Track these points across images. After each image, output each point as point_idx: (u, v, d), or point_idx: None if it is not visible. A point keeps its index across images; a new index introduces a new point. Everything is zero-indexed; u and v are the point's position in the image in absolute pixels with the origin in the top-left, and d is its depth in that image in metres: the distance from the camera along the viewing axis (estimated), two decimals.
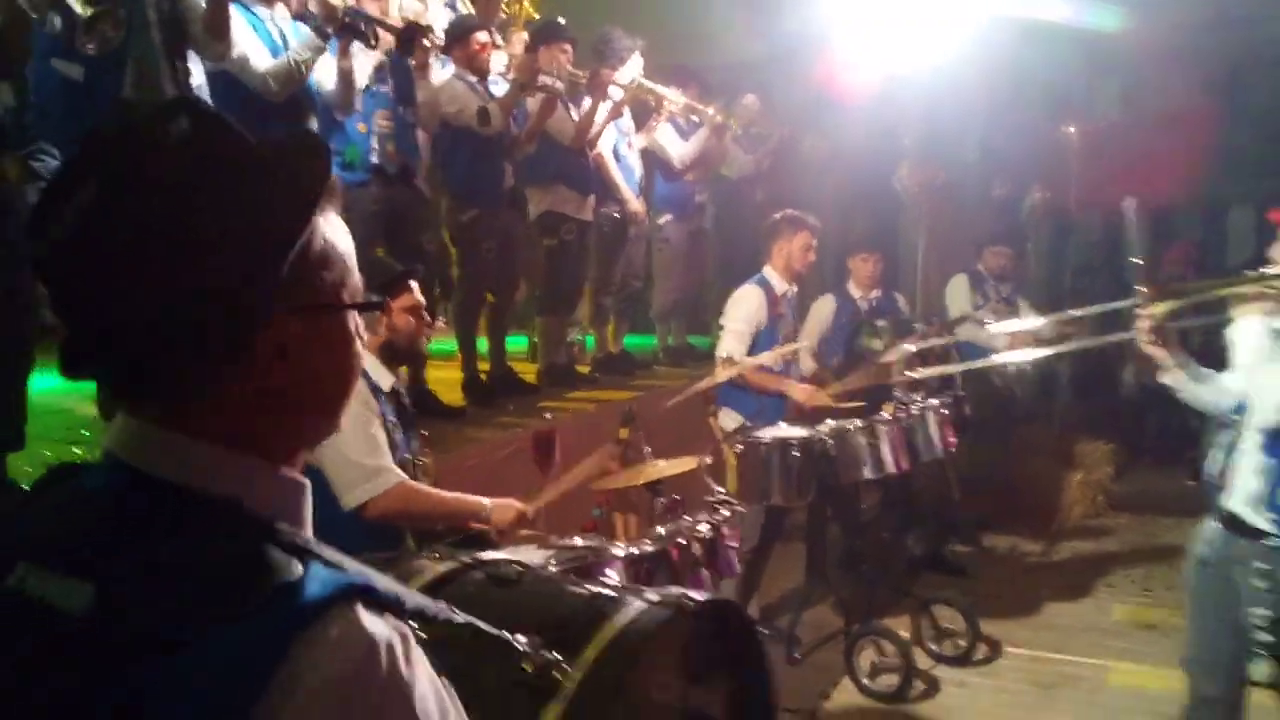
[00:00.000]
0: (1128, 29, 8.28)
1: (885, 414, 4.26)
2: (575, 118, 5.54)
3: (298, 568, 0.81)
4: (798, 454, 4.16)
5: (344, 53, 4.05)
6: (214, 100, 3.49)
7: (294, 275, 0.88)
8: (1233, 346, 2.91)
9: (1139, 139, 8.70)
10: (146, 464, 0.88)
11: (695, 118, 6.63)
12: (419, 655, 0.84)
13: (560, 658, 1.43)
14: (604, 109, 5.58)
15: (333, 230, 0.94)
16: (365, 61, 4.31)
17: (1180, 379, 3.02)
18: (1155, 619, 5.13)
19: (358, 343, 0.97)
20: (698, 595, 1.83)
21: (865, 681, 4.33)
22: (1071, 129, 8.13)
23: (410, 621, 0.86)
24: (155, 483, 0.87)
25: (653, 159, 6.57)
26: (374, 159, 4.40)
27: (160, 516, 0.85)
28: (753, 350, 4.69)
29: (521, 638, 1.37)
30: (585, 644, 1.57)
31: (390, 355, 2.85)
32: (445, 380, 5.06)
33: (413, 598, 0.88)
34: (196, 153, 0.86)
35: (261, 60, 3.71)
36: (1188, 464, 8.42)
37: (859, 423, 4.20)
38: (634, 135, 6.27)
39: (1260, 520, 2.75)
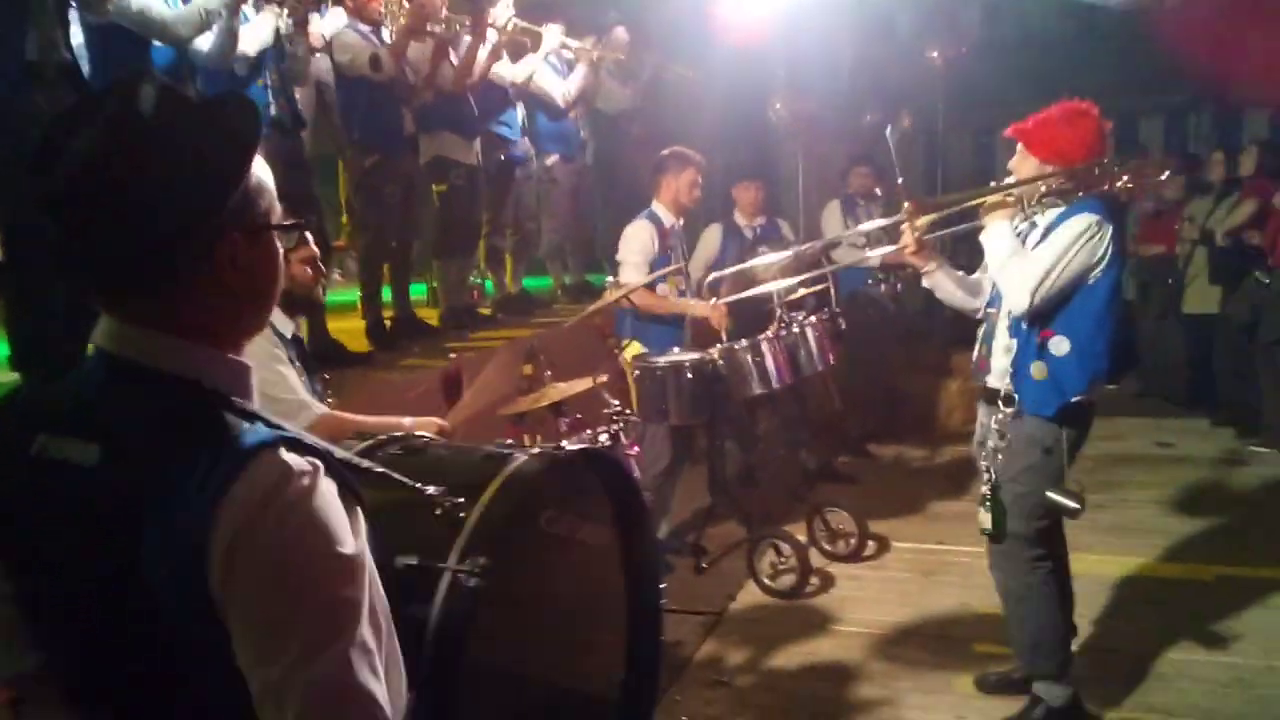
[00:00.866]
0: None
1: (768, 332, 4.53)
2: (455, 62, 5.61)
3: (246, 426, 1.11)
4: (690, 375, 4.43)
5: (234, 12, 4.05)
6: (97, 56, 3.51)
7: (240, 203, 1.17)
8: (985, 249, 3.30)
9: (1002, 60, 9.10)
10: (127, 353, 1.16)
11: (569, 54, 6.73)
12: (328, 482, 1.11)
13: (463, 500, 1.79)
14: (483, 52, 5.66)
15: (261, 168, 1.22)
16: (264, 23, 4.31)
17: (939, 280, 3.49)
18: None
19: (280, 263, 1.25)
20: (570, 447, 2.25)
21: (767, 581, 4.68)
22: (935, 54, 8.47)
23: (337, 471, 1.13)
24: (134, 366, 1.15)
25: (534, 99, 6.66)
26: (272, 111, 4.43)
27: (139, 392, 1.15)
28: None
29: (431, 488, 1.73)
30: (481, 490, 1.91)
31: (289, 304, 2.95)
32: (349, 330, 5.14)
33: (338, 453, 1.16)
34: (166, 112, 1.12)
35: (161, 8, 3.71)
36: None
37: (744, 342, 4.48)
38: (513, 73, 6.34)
39: (1002, 388, 3.22)
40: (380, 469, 1.37)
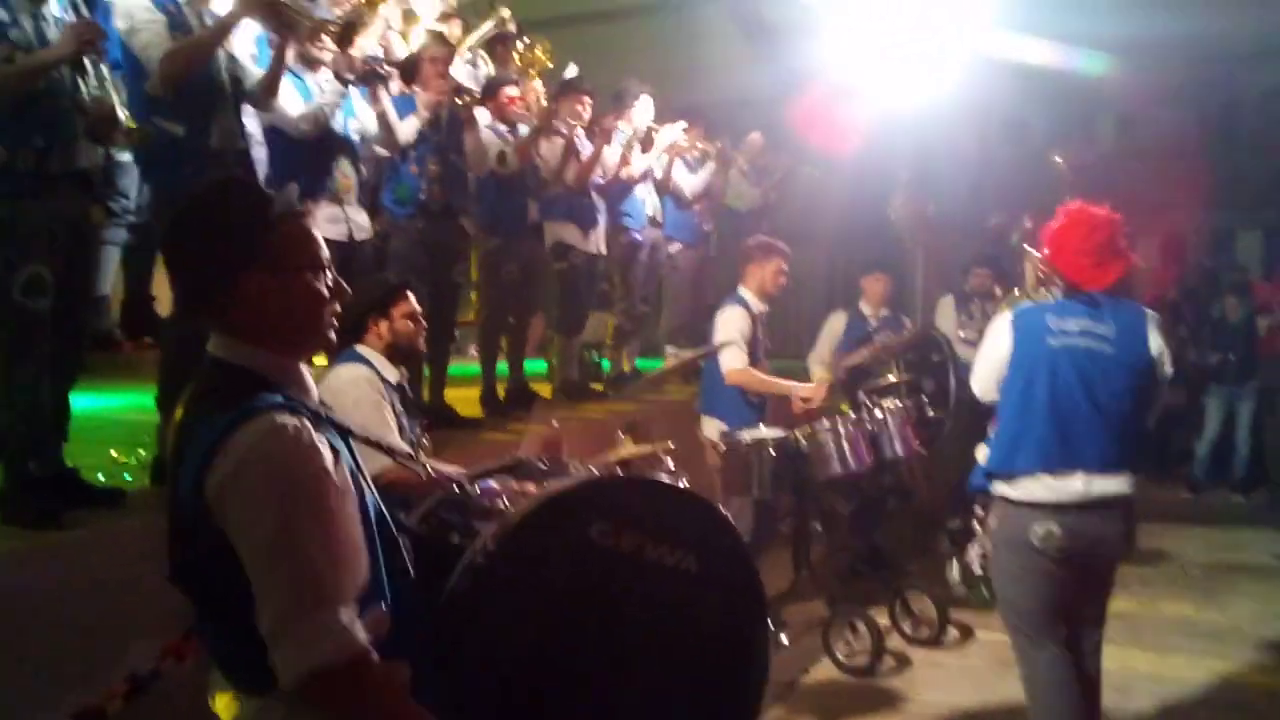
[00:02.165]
0: (1122, 69, 8.71)
1: (849, 415, 4.75)
2: (582, 158, 6.14)
3: (266, 396, 1.56)
4: (773, 452, 4.67)
5: (374, 97, 4.66)
6: (270, 143, 4.25)
7: (266, 249, 1.63)
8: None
9: (1132, 171, 9.10)
10: (210, 348, 1.69)
11: (701, 151, 7.20)
12: (319, 437, 1.53)
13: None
14: (611, 151, 6.20)
15: (315, 228, 1.70)
16: (415, 121, 4.92)
17: None
18: (1124, 609, 5.52)
19: (320, 294, 1.69)
20: (617, 473, 2.60)
21: (841, 658, 4.80)
22: (1061, 159, 8.56)
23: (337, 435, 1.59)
24: (212, 357, 1.68)
25: (662, 189, 7.15)
26: (421, 196, 5.01)
27: (210, 374, 1.67)
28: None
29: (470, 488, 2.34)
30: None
31: (393, 353, 3.40)
32: (466, 397, 5.61)
33: (335, 421, 1.64)
34: (215, 191, 1.75)
35: (295, 107, 4.34)
36: (1180, 478, 8.81)
37: (825, 423, 4.70)
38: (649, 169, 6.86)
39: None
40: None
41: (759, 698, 2.48)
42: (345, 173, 4.60)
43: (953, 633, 5.18)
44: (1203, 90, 10.03)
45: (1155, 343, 3.23)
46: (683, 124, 6.90)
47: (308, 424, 1.53)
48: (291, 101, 4.32)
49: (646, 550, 2.31)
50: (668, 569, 2.32)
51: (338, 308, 1.72)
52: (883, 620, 4.96)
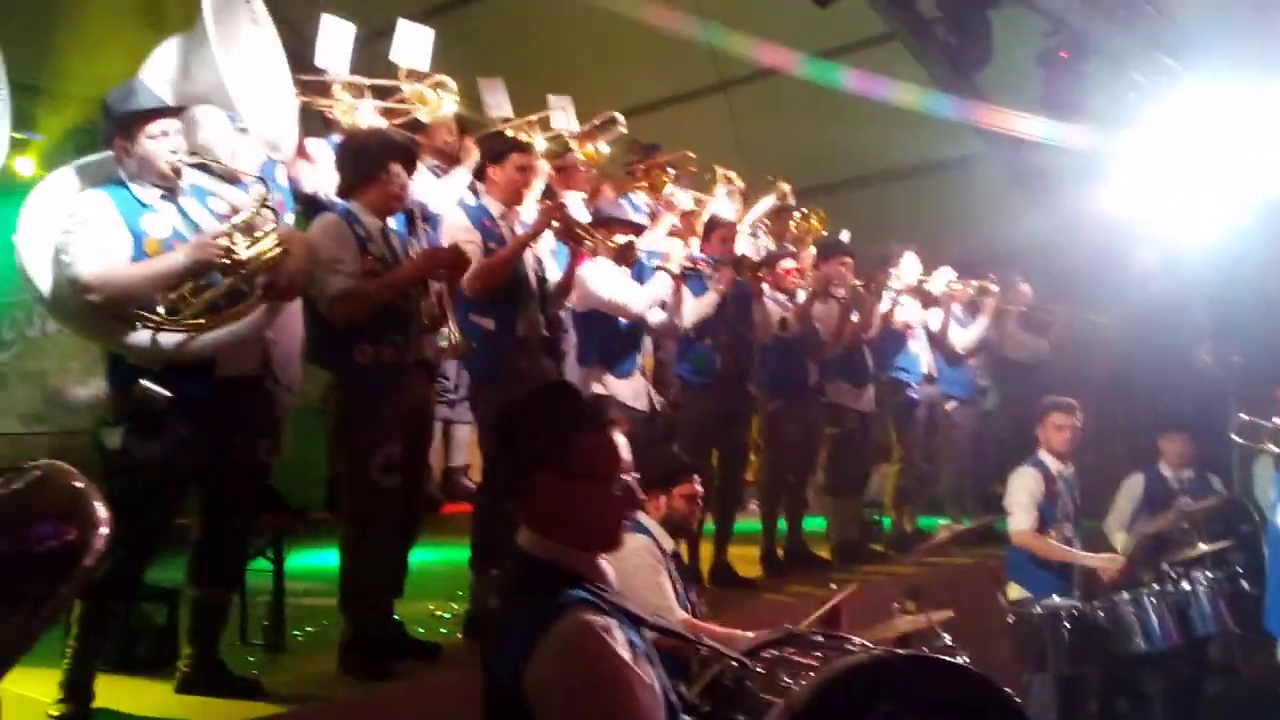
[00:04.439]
0: None
1: (1153, 585, 4.44)
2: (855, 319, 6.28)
3: (569, 592, 1.72)
4: (1069, 625, 4.43)
5: (676, 289, 5.04)
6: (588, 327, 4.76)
7: (562, 453, 1.80)
8: None
9: None
10: (524, 545, 1.85)
11: (977, 288, 7.13)
12: (621, 636, 1.67)
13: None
14: (880, 310, 6.31)
15: (617, 440, 1.86)
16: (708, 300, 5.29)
17: None
18: None
19: (608, 502, 1.84)
20: (901, 651, 2.55)
21: None
22: None
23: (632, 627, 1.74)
24: (527, 556, 1.84)
25: (936, 344, 7.11)
26: (715, 367, 5.34)
27: (525, 570, 1.84)
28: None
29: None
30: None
31: (671, 527, 3.61)
32: (745, 556, 5.72)
33: (634, 611, 1.78)
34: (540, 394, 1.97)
35: (627, 295, 4.77)
36: None
37: (1126, 594, 4.42)
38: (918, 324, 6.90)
39: None
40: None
41: None
42: (648, 350, 5.04)
43: None
44: None
45: None
46: (951, 271, 6.92)
47: (612, 621, 1.69)
48: (633, 292, 4.80)
49: None
50: None
51: (632, 512, 1.90)
52: None
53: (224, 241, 3.18)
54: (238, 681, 3.37)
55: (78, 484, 1.53)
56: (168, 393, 3.12)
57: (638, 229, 4.90)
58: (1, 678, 1.41)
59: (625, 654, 1.68)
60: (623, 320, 4.83)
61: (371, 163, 3.73)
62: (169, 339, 3.15)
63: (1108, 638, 4.43)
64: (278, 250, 3.26)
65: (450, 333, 3.70)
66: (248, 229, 3.25)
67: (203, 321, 3.18)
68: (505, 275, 4.20)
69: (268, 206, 3.30)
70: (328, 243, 3.61)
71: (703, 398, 5.32)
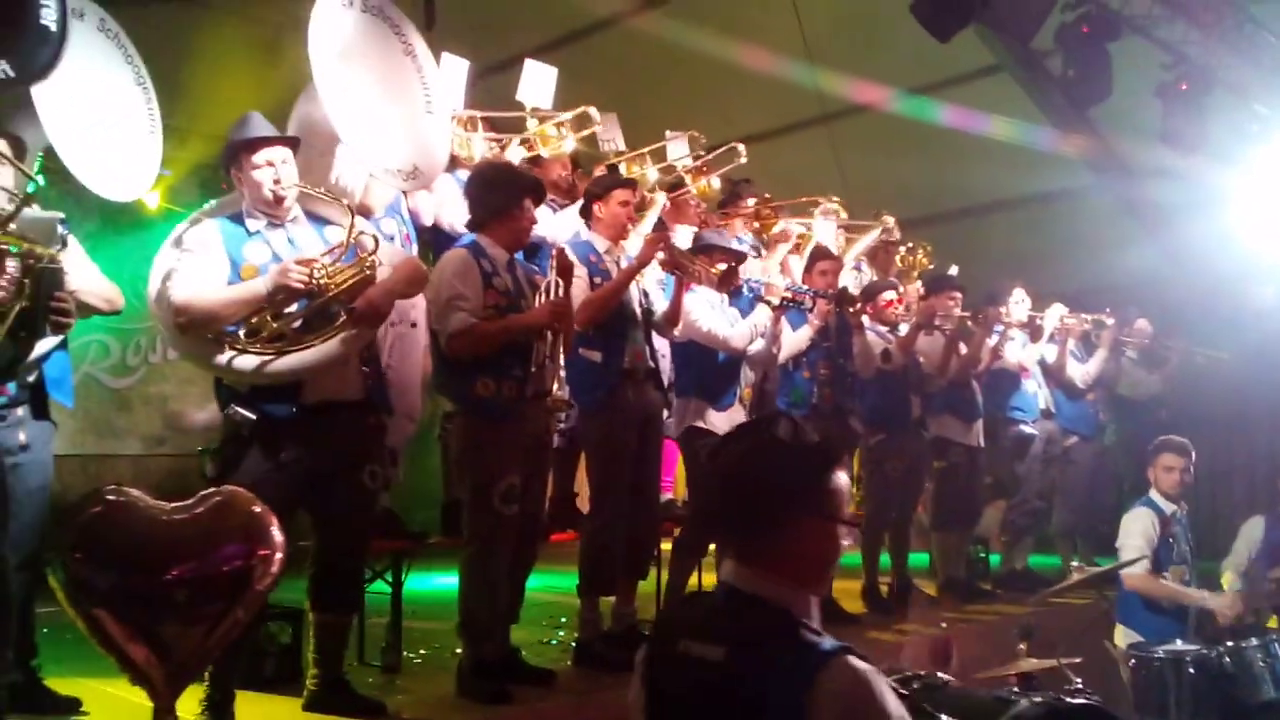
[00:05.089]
0: None
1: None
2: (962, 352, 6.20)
3: (818, 639, 1.68)
4: (1193, 671, 4.27)
5: (775, 321, 5.03)
6: (685, 358, 4.75)
7: (818, 499, 1.77)
8: None
9: None
10: (743, 585, 1.77)
11: (1093, 322, 7.00)
12: (888, 683, 1.65)
13: None
14: (989, 345, 6.24)
15: (839, 477, 1.81)
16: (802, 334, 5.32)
17: None
18: None
19: (840, 539, 1.83)
20: (1071, 700, 2.49)
21: None
22: None
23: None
24: (747, 594, 1.76)
25: (1053, 379, 6.97)
26: (813, 399, 5.37)
27: (750, 613, 1.74)
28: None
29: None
30: None
31: None
32: (849, 590, 5.67)
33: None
34: (791, 437, 1.81)
35: (725, 329, 4.79)
36: None
37: (1254, 640, 4.25)
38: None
39: None
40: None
41: None
42: (749, 380, 5.05)
43: None
44: None
45: None
46: (1063, 307, 6.80)
47: (876, 669, 1.65)
48: (732, 327, 4.84)
49: None
50: None
51: None
52: None
53: (304, 269, 3.27)
54: (362, 702, 3.46)
55: (256, 509, 1.61)
56: (252, 415, 3.22)
57: (739, 256, 4.91)
58: (181, 691, 1.47)
59: (899, 707, 1.66)
60: (721, 354, 4.85)
61: (505, 198, 3.83)
62: (247, 361, 3.24)
63: (1234, 685, 4.24)
64: (358, 277, 3.33)
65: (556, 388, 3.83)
66: (338, 258, 3.35)
67: (281, 344, 3.26)
68: (612, 308, 4.27)
69: (364, 234, 3.42)
70: (451, 279, 3.72)
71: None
